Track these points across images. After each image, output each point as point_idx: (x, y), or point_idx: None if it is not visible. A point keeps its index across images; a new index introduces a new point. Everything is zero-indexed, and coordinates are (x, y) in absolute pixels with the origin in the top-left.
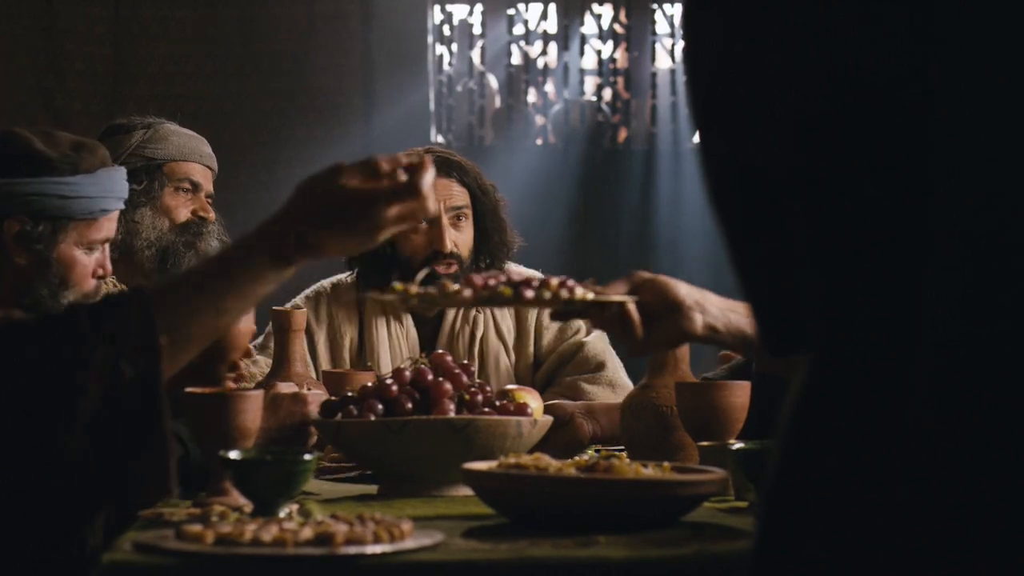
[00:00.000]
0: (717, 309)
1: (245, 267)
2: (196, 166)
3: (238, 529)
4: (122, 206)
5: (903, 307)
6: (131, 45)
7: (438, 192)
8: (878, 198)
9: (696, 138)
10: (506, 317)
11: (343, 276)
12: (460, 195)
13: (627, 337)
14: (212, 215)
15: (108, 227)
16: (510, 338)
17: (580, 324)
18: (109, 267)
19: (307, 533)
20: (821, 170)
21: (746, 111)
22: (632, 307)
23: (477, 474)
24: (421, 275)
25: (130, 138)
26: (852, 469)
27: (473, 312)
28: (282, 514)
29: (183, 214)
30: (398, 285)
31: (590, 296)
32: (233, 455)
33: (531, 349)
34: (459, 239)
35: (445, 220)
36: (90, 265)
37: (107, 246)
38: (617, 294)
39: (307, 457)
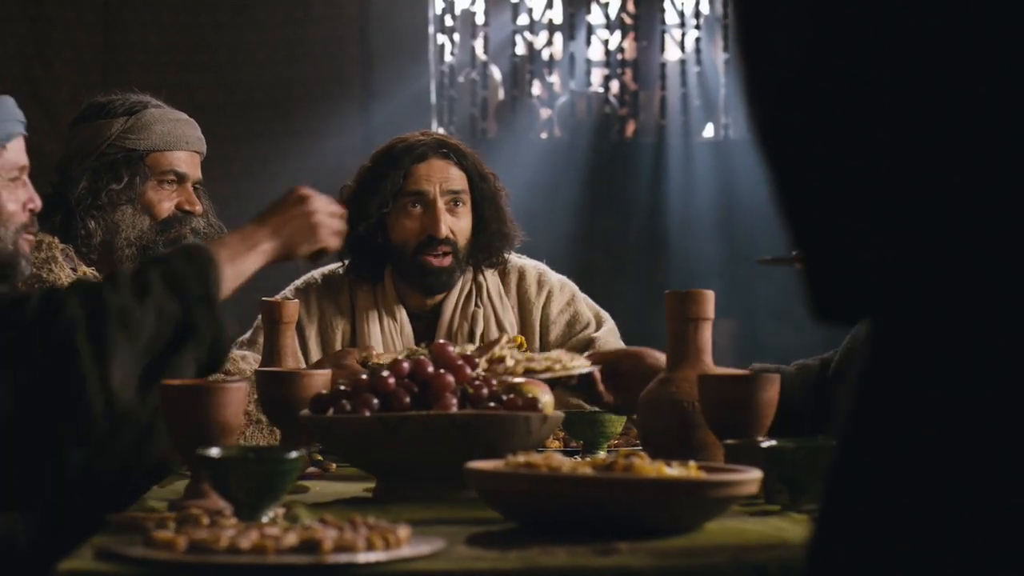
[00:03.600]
0: None
1: None
2: (181, 154)
3: (214, 535)
4: (24, 131)
5: (990, 267)
6: (121, 33)
7: (434, 174)
8: (971, 136)
9: (741, 83)
10: (508, 312)
11: (335, 266)
12: (458, 179)
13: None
14: (198, 207)
15: (19, 155)
16: (513, 334)
17: (590, 318)
18: (39, 201)
19: (291, 540)
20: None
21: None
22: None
23: (482, 474)
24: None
25: (110, 126)
26: (927, 457)
27: (472, 307)
28: (265, 518)
29: (166, 208)
30: None
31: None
32: (211, 452)
33: (537, 344)
34: (455, 225)
35: (441, 204)
36: (18, 196)
37: (28, 180)
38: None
39: (293, 455)
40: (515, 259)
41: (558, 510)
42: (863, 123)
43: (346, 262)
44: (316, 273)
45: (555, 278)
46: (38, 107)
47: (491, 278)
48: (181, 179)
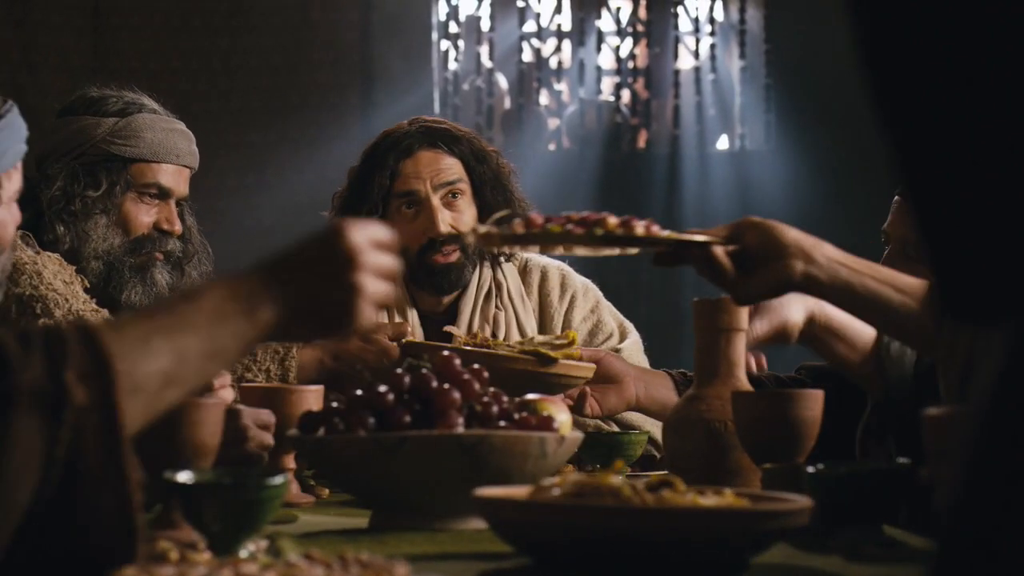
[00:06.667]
0: (826, 259)
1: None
2: (169, 168)
3: (182, 573)
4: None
5: None
6: (111, 38)
7: (423, 169)
8: None
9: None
10: (530, 316)
11: None
12: (451, 168)
13: (720, 282)
14: (177, 227)
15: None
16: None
17: (614, 329)
18: (18, 215)
19: None
20: None
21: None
22: (719, 250)
23: (492, 503)
24: (496, 216)
25: (98, 125)
26: None
27: (492, 309)
28: (244, 553)
29: (143, 223)
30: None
31: (639, 231)
32: (181, 477)
33: None
34: (458, 219)
35: (436, 201)
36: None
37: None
38: (702, 235)
39: (276, 481)
40: (536, 257)
41: (580, 544)
42: (1004, 96)
43: None
44: None
45: (579, 280)
46: (24, 115)
47: (511, 276)
48: (164, 194)
